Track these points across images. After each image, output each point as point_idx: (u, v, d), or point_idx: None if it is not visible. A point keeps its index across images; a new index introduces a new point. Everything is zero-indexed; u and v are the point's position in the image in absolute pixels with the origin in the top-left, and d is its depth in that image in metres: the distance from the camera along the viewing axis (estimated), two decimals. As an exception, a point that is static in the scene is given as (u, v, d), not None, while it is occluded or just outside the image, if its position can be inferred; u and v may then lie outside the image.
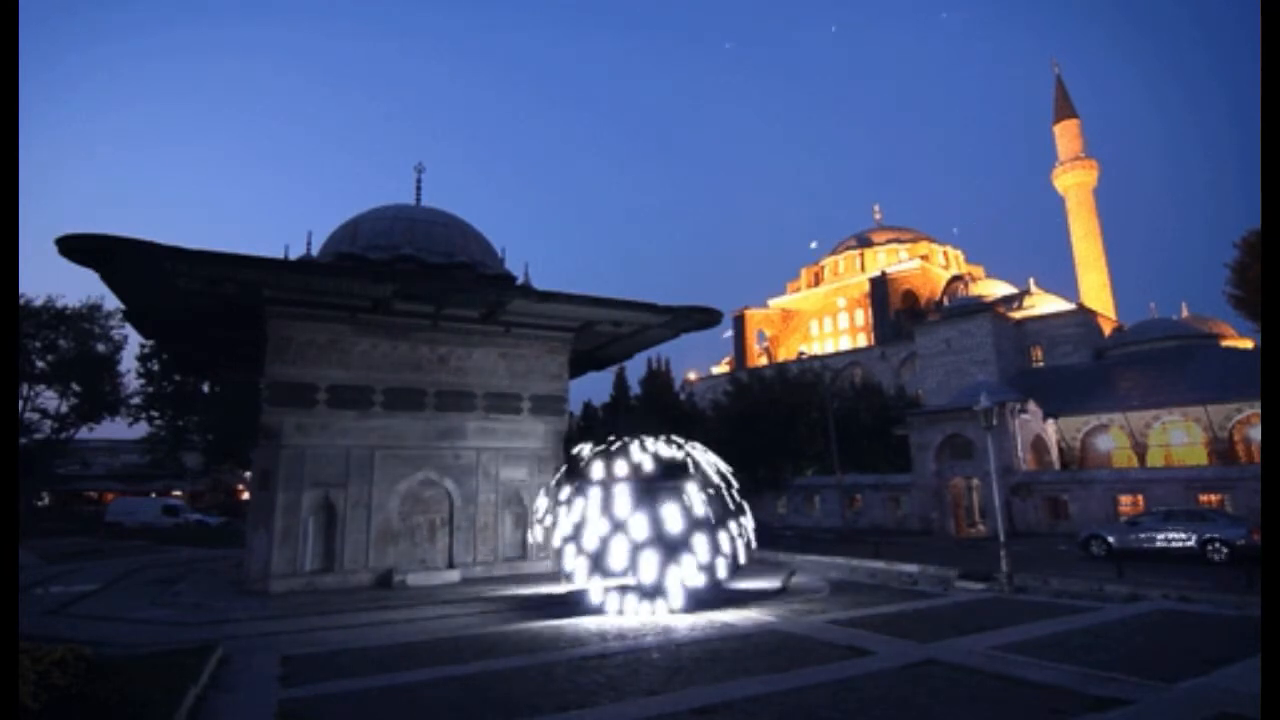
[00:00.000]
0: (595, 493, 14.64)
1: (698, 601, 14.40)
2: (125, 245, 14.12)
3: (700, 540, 14.03)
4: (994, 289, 72.54)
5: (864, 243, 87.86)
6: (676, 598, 13.95)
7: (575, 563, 14.61)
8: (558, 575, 16.82)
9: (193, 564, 23.40)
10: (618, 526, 14.09)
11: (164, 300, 17.07)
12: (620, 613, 13.93)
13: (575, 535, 14.66)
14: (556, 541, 15.22)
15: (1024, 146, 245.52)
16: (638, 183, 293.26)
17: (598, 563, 14.26)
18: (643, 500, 14.15)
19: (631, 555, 13.94)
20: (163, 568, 22.43)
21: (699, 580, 14.10)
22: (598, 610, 14.07)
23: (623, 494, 14.26)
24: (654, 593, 14.01)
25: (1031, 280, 68.98)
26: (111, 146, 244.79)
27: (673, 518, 14.00)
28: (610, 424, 39.03)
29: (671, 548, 13.99)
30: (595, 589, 14.32)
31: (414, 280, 18.35)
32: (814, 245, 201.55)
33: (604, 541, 14.16)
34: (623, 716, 7.64)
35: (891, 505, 37.58)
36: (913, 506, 35.73)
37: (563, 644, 11.39)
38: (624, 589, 14.18)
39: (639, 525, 13.96)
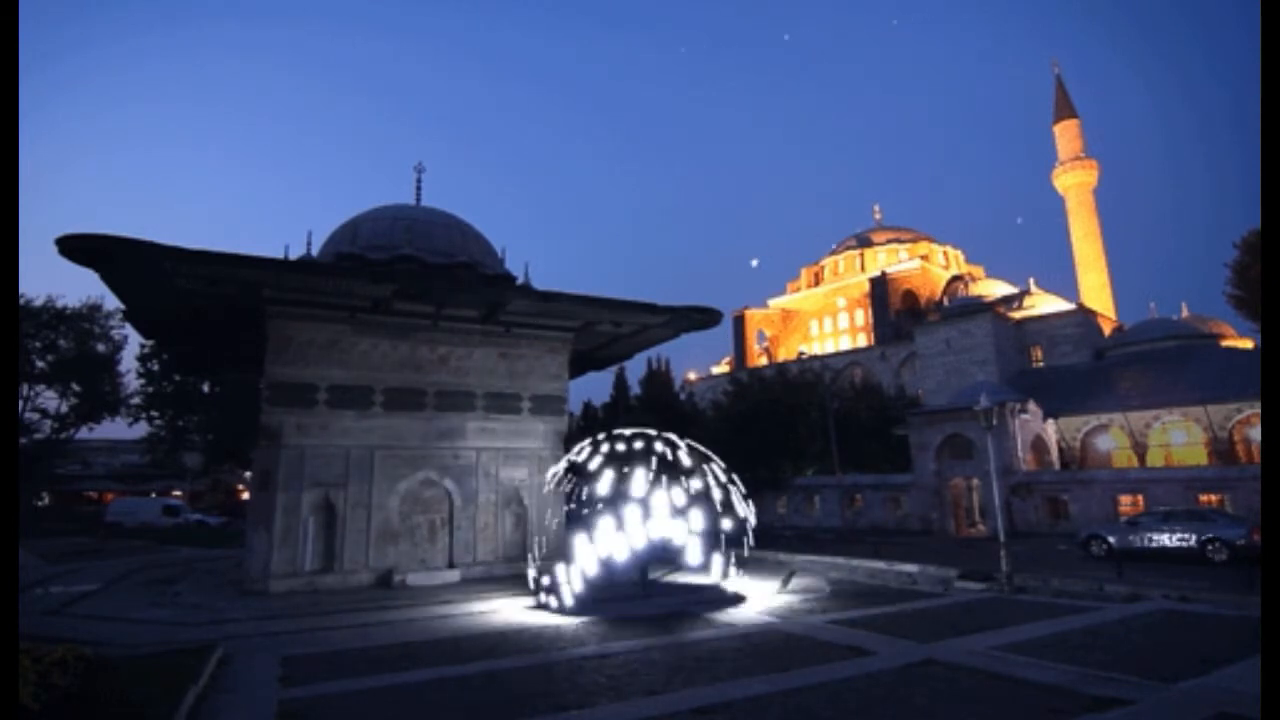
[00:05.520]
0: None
1: (697, 601, 14.41)
2: (125, 245, 14.11)
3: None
4: (994, 289, 72.49)
5: (864, 243, 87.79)
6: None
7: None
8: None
9: (193, 564, 23.39)
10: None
11: (164, 300, 17.06)
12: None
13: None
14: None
15: (1024, 146, 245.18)
16: (638, 183, 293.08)
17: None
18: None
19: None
20: (163, 568, 22.41)
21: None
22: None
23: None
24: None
25: (1031, 280, 68.94)
26: (111, 146, 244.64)
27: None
28: (610, 424, 39.01)
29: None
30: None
31: (414, 280, 18.34)
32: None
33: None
34: (623, 716, 7.64)
35: (891, 505, 37.55)
36: (913, 506, 35.72)
37: (563, 644, 11.40)
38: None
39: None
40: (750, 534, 15.94)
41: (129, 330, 41.90)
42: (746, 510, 15.33)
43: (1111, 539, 21.47)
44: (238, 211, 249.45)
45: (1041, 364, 55.45)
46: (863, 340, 78.89)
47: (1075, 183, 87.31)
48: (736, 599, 15.09)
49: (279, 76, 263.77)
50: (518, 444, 20.65)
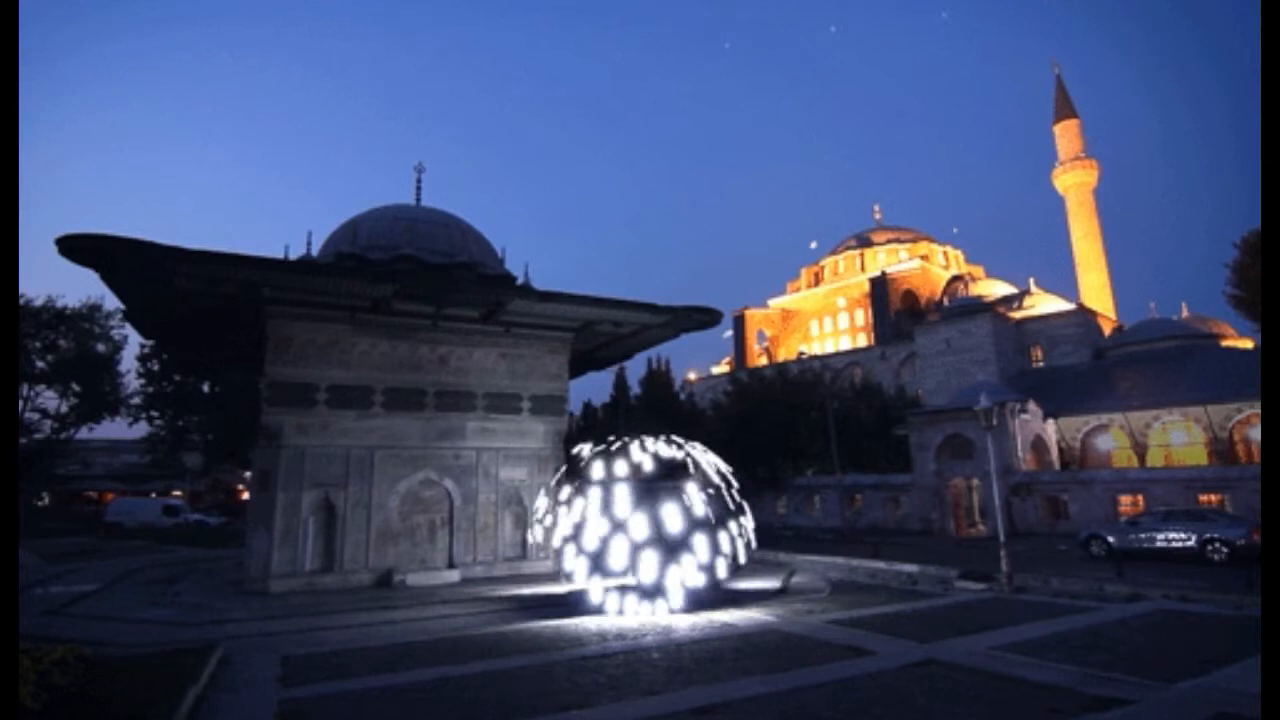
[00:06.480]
0: (595, 492, 14.62)
1: (696, 602, 14.39)
2: (125, 245, 14.11)
3: (700, 540, 14.03)
4: (994, 289, 72.56)
5: (864, 243, 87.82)
6: (677, 597, 13.92)
7: (575, 563, 14.54)
8: (558, 575, 16.83)
9: (193, 564, 23.39)
10: (618, 526, 14.07)
11: (164, 300, 17.07)
12: (620, 613, 13.90)
13: (575, 535, 14.65)
14: (556, 541, 15.19)
15: (1024, 146, 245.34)
16: (639, 183, 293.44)
17: (598, 562, 14.23)
18: (642, 500, 14.14)
19: (631, 555, 13.91)
20: (163, 568, 22.41)
21: (699, 580, 14.08)
22: (598, 610, 14.01)
23: (622, 493, 14.24)
24: (654, 592, 13.96)
25: (1031, 280, 68.97)
26: (111, 146, 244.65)
27: (672, 517, 13.97)
28: (610, 424, 39.04)
29: (671, 548, 13.95)
30: (595, 589, 14.28)
31: (414, 280, 18.35)
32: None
33: (604, 541, 14.11)
34: (623, 716, 7.64)
35: (891, 505, 37.56)
36: (913, 506, 35.72)
37: (562, 644, 11.39)
38: (624, 589, 14.16)
39: (639, 525, 13.91)
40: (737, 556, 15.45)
41: (129, 330, 41.97)
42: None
43: (1111, 539, 21.47)
44: (238, 211, 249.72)
45: (1041, 364, 55.48)
46: (863, 340, 78.91)
47: (1075, 183, 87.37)
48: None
49: (279, 76, 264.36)
50: (518, 444, 20.65)
